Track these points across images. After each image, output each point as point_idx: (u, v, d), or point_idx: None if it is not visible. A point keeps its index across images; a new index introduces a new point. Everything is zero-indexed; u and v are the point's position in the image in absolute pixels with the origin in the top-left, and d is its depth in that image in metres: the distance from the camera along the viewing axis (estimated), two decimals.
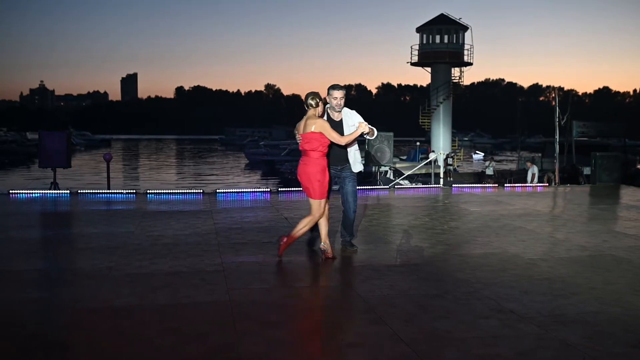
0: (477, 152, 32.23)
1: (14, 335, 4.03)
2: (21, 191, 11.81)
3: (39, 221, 9.25)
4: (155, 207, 10.02)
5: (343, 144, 5.93)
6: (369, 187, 13.80)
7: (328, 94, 6.20)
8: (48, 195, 11.75)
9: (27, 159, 53.26)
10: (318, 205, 5.93)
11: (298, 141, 6.04)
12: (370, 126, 6.01)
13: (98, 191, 12.14)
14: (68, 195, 11.66)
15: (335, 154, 6.18)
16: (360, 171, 6.45)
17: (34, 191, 12.01)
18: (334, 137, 5.84)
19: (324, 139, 5.81)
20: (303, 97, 6.07)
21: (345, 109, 6.27)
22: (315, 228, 6.35)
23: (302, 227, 6.01)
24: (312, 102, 5.89)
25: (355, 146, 6.35)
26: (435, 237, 7.53)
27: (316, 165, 5.85)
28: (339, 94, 6.14)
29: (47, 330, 4.13)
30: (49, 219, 9.54)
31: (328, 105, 6.22)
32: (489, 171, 25.79)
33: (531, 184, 15.75)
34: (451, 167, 28.51)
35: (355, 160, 6.36)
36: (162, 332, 4.08)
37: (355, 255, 6.39)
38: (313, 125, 5.80)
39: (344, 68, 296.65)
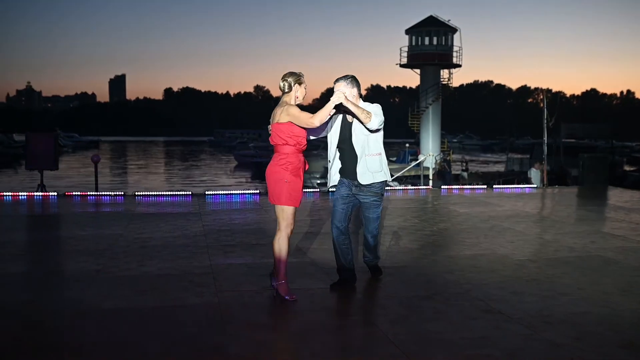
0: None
1: (1, 338, 3.99)
2: (7, 193, 11.70)
3: (26, 223, 9.17)
4: (143, 209, 9.96)
5: (317, 124, 4.50)
6: None
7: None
8: (35, 197, 11.65)
9: (14, 161, 52.78)
10: (288, 214, 4.69)
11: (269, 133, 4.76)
12: (353, 103, 4.65)
13: (86, 193, 12.05)
14: (55, 197, 11.57)
15: (344, 160, 5.05)
16: (374, 184, 5.08)
17: (20, 193, 11.90)
18: (304, 120, 4.51)
19: (295, 129, 4.60)
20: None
21: (365, 103, 4.93)
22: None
23: (281, 250, 4.76)
24: (281, 84, 4.72)
25: (372, 149, 4.98)
26: (424, 238, 7.55)
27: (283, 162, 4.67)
28: (336, 86, 4.86)
29: (35, 334, 4.09)
30: (35, 221, 9.46)
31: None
32: (537, 183, 24.87)
33: (520, 186, 15.79)
34: (465, 173, 27.33)
35: (369, 169, 4.98)
36: (150, 335, 4.06)
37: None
38: (282, 113, 4.60)
39: (333, 69, 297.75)
